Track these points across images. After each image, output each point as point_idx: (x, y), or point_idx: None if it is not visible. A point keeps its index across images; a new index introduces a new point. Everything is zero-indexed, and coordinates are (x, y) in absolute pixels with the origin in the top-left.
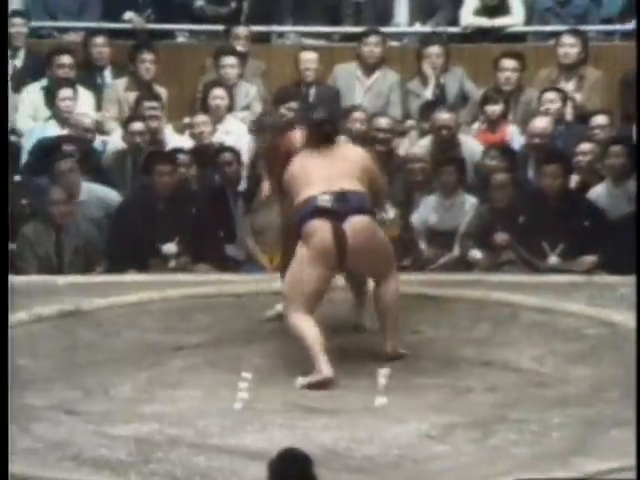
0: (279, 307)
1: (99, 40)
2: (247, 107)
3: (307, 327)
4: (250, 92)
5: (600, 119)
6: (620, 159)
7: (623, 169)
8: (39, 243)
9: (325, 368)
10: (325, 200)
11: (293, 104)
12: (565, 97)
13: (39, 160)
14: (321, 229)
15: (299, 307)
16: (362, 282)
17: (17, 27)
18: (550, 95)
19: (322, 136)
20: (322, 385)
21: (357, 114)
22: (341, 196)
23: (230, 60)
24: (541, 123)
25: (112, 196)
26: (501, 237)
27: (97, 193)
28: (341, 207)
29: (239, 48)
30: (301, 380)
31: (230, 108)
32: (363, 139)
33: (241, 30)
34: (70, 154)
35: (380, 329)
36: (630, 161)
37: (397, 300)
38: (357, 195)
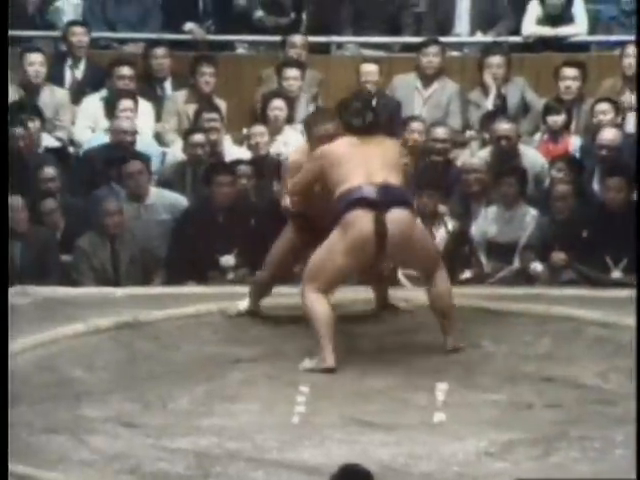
0: (241, 305)
1: (159, 51)
2: None
3: (321, 310)
4: (311, 105)
5: None
6: None
7: None
8: (95, 255)
9: (329, 358)
10: (370, 191)
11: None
12: (618, 108)
13: (89, 171)
14: (363, 219)
15: (317, 288)
16: (384, 282)
17: (78, 36)
18: (603, 106)
19: (361, 131)
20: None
21: (415, 125)
22: (384, 188)
23: (293, 72)
24: (609, 134)
25: (182, 201)
26: (558, 256)
27: (168, 198)
28: (384, 199)
29: (299, 58)
30: (306, 363)
31: (290, 119)
32: (420, 149)
33: (298, 39)
34: (137, 157)
35: (441, 328)
36: None
37: (451, 296)
38: (399, 188)
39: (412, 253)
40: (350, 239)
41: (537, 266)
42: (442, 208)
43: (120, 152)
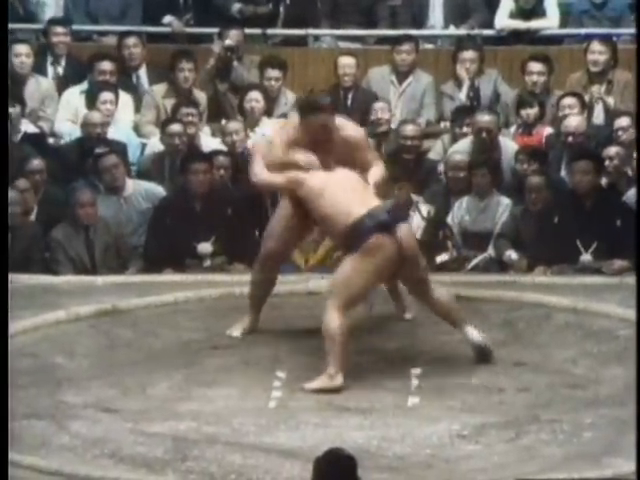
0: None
1: (130, 41)
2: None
3: (338, 330)
4: (289, 99)
5: (623, 121)
6: None
7: None
8: (70, 245)
9: (338, 377)
10: (383, 215)
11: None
12: (583, 102)
13: (64, 164)
14: (386, 242)
15: (340, 306)
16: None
17: (59, 37)
18: (568, 100)
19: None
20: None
21: (379, 104)
22: (390, 210)
23: (275, 73)
24: (574, 122)
25: (159, 190)
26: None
27: (145, 188)
28: (393, 219)
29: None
30: (312, 383)
31: (268, 112)
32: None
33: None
34: (112, 151)
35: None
36: None
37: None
38: (398, 207)
39: (417, 263)
40: (380, 261)
41: (512, 254)
42: (415, 197)
43: (91, 144)
